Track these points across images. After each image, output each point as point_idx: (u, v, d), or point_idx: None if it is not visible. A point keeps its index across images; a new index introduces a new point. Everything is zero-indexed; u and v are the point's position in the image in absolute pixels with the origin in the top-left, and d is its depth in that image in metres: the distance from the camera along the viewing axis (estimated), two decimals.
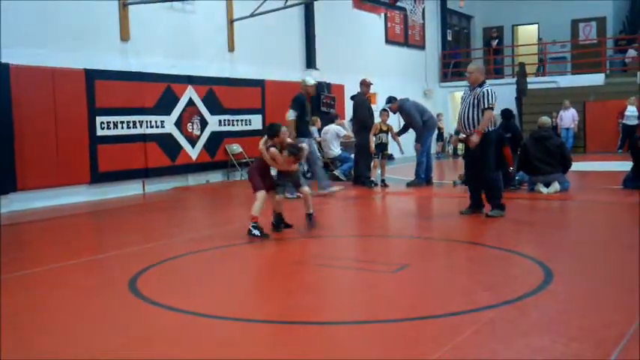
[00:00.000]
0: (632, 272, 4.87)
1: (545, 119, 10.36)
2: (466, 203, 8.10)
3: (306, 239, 6.77)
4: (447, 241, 6.69)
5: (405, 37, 21.54)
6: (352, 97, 12.27)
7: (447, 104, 23.58)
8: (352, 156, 12.40)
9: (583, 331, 3.65)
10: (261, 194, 6.71)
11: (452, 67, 24.14)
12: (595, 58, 22.92)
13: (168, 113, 12.42)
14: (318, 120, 14.29)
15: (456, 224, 7.60)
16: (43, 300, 4.77)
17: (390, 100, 11.66)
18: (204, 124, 13.22)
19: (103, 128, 11.14)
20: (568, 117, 19.18)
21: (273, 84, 14.94)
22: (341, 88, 16.75)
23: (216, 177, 13.73)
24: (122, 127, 11.49)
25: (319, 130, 13.72)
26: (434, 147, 19.02)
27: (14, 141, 9.73)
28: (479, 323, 3.78)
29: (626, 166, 10.28)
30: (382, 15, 18.62)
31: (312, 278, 5.31)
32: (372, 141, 11.03)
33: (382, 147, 11.11)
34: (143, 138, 11.88)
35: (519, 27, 26.45)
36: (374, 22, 18.85)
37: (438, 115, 19.08)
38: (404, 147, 12.09)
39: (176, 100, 12.59)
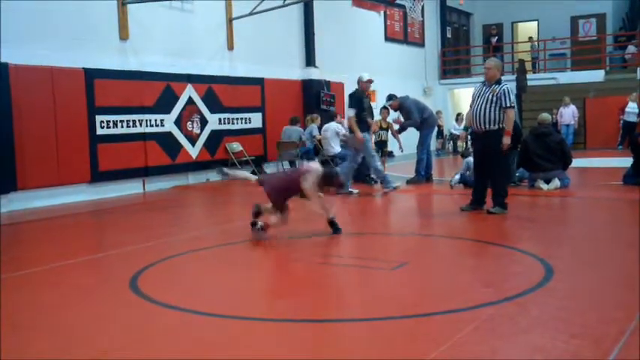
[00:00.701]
0: (633, 269, 4.86)
1: (545, 116, 10.35)
2: (466, 200, 8.10)
3: (305, 237, 6.76)
4: (447, 238, 6.68)
5: (404, 34, 21.52)
6: (351, 95, 12.22)
7: (447, 102, 23.58)
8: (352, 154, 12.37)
9: (583, 328, 3.64)
10: (277, 217, 6.53)
11: (452, 65, 24.14)
12: (595, 54, 22.90)
13: (168, 112, 12.43)
14: (318, 118, 14.28)
15: (456, 221, 7.59)
16: (44, 299, 4.76)
17: (391, 97, 11.66)
18: (204, 122, 13.22)
19: (102, 127, 11.14)
20: (568, 113, 19.18)
21: (273, 82, 14.94)
22: (340, 85, 16.73)
23: (216, 175, 13.70)
24: (122, 126, 11.49)
25: (319, 128, 13.70)
26: (434, 144, 19.03)
27: (14, 141, 9.73)
28: (478, 320, 3.78)
29: (626, 162, 10.28)
30: (381, 12, 18.62)
31: (311, 276, 5.31)
32: (372, 138, 11.03)
33: (382, 144, 11.12)
34: (143, 137, 11.88)
35: (519, 24, 26.43)
36: (373, 20, 18.84)
37: (438, 113, 19.06)
38: (404, 145, 12.10)
39: (176, 98, 12.59)
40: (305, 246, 6.51)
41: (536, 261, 5.23)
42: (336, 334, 3.83)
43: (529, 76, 21.70)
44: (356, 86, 11.83)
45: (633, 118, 17.84)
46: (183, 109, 12.76)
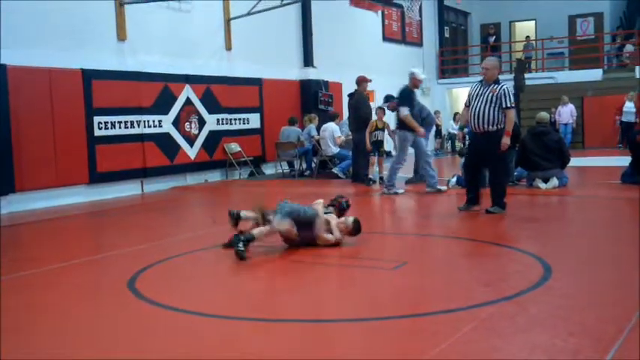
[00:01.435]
0: (631, 267, 4.86)
1: (543, 114, 10.35)
2: (464, 199, 8.10)
3: None
4: (446, 237, 6.68)
5: (402, 34, 21.53)
6: (350, 95, 12.24)
7: (445, 101, 23.58)
8: (350, 154, 12.38)
9: (582, 327, 3.65)
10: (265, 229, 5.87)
11: (450, 65, 24.14)
12: (593, 53, 22.92)
13: (166, 113, 12.42)
14: (316, 118, 14.29)
15: (455, 221, 7.59)
16: (43, 300, 4.76)
17: (388, 98, 11.68)
18: (202, 123, 13.21)
19: (100, 128, 11.12)
20: (566, 112, 19.19)
21: (271, 82, 14.94)
22: (338, 85, 16.73)
23: (214, 176, 13.72)
24: (120, 127, 11.48)
25: (317, 128, 13.70)
26: (432, 144, 19.03)
27: (12, 142, 9.72)
28: (478, 319, 3.78)
29: (625, 161, 10.29)
30: (379, 12, 18.58)
31: (311, 276, 5.31)
32: (368, 139, 11.03)
33: (378, 144, 11.11)
34: (141, 138, 11.87)
35: (516, 23, 26.46)
36: (371, 20, 18.83)
37: (436, 113, 19.08)
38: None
39: (174, 99, 12.58)
40: (304, 246, 6.49)
41: (534, 260, 5.23)
42: (336, 333, 3.82)
43: (527, 75, 21.72)
44: (355, 86, 11.92)
45: (631, 118, 17.85)
46: (182, 109, 12.75)
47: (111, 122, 11.30)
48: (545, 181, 9.67)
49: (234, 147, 13.76)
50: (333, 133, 13.06)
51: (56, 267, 5.85)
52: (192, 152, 13.01)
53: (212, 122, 13.44)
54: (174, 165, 12.61)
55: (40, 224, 8.81)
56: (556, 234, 6.72)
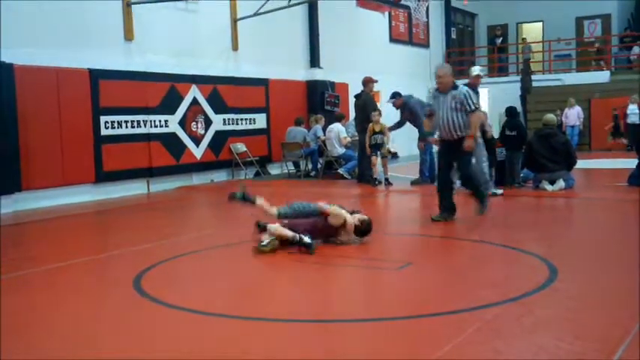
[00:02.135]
0: (637, 270, 4.84)
1: (550, 116, 10.31)
2: (465, 201, 8.03)
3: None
4: (451, 238, 6.67)
5: (409, 35, 21.50)
6: (356, 96, 12.22)
7: None
8: (356, 155, 12.37)
9: (588, 329, 3.63)
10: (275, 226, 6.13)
11: (457, 66, 24.03)
12: (600, 55, 22.82)
13: (173, 112, 12.44)
14: (322, 118, 14.28)
15: (460, 222, 7.56)
16: (47, 299, 4.77)
17: (395, 95, 11.59)
18: (208, 123, 13.23)
19: (107, 128, 11.16)
20: (573, 114, 19.11)
21: (277, 83, 14.95)
22: (345, 86, 16.73)
23: (220, 176, 13.74)
24: (126, 127, 11.51)
25: (323, 129, 13.70)
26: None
27: (19, 141, 9.76)
28: (483, 321, 3.77)
29: (631, 163, 10.24)
30: (386, 13, 18.56)
31: (315, 276, 5.31)
32: (368, 142, 11.00)
33: (377, 147, 11.06)
34: (147, 137, 11.90)
35: (524, 25, 26.37)
36: (378, 21, 18.80)
37: None
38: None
39: (180, 99, 12.60)
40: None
41: (540, 262, 5.21)
42: (340, 334, 3.82)
43: (535, 77, 21.63)
44: (361, 87, 11.91)
45: (635, 119, 17.79)
46: (188, 109, 12.77)
47: (117, 122, 11.33)
48: (552, 183, 9.63)
49: (241, 147, 13.78)
50: (339, 134, 13.05)
51: (62, 265, 5.86)
52: (198, 152, 13.03)
53: (218, 122, 13.46)
54: (180, 165, 12.63)
55: (45, 223, 8.84)
56: (562, 236, 6.70)
